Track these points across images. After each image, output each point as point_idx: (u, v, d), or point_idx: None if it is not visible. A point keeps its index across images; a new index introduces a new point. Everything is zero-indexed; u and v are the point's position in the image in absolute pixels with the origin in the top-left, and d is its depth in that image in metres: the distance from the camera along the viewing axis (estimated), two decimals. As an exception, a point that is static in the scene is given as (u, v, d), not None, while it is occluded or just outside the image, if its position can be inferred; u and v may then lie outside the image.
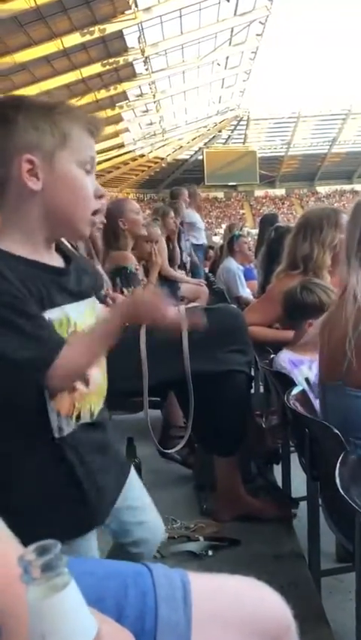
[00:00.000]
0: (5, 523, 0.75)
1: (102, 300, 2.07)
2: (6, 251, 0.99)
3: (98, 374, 1.14)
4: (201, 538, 2.02)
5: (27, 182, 0.99)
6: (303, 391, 1.86)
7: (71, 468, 1.05)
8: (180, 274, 5.20)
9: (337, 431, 1.36)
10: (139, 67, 25.03)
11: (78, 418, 1.06)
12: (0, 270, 0.94)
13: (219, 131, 43.77)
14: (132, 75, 25.62)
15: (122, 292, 2.73)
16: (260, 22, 26.02)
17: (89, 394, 1.09)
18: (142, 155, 40.25)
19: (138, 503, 1.25)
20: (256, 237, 6.17)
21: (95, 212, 1.09)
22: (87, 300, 1.12)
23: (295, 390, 1.82)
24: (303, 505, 2.14)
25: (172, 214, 5.37)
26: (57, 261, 1.09)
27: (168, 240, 5.35)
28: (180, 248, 5.70)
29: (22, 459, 1.02)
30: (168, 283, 4.89)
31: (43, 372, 0.97)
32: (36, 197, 1.00)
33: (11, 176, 0.99)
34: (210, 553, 1.97)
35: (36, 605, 0.45)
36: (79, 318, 1.06)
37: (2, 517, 0.77)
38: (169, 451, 2.40)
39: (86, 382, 1.09)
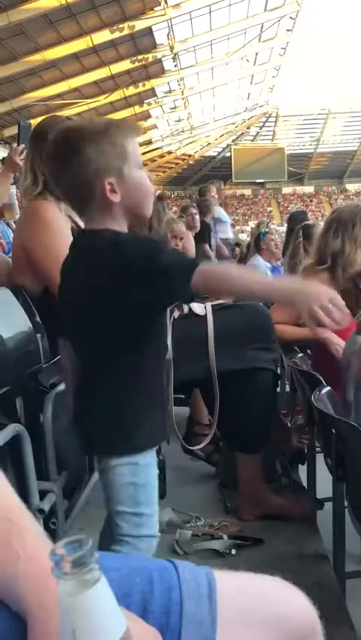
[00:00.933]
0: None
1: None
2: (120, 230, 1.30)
3: None
4: (224, 537, 2.01)
5: (111, 199, 1.27)
6: (330, 391, 1.84)
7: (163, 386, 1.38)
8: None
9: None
10: (168, 64, 25.02)
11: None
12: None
13: (248, 128, 43.51)
14: (161, 72, 25.60)
15: None
16: (290, 17, 25.75)
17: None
18: (170, 152, 40.23)
19: None
20: (283, 235, 6.12)
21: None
22: None
23: (322, 390, 1.80)
24: (328, 505, 2.12)
25: (193, 210, 5.37)
26: None
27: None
28: (210, 245, 5.69)
29: (140, 368, 1.30)
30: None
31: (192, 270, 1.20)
32: (117, 204, 1.28)
33: (95, 193, 1.27)
34: (233, 551, 1.96)
35: (66, 599, 0.45)
36: None
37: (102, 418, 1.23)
38: (194, 448, 2.40)
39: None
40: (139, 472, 1.27)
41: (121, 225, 1.32)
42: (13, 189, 2.62)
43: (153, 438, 1.35)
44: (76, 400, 1.36)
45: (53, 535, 1.56)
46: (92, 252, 1.29)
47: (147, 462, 1.30)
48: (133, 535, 1.27)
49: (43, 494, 1.52)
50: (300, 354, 2.41)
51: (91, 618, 0.45)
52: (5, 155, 2.51)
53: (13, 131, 22.02)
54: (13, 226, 3.03)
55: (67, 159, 1.26)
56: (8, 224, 3.37)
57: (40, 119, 2.13)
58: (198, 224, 5.42)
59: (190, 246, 5.01)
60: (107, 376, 1.29)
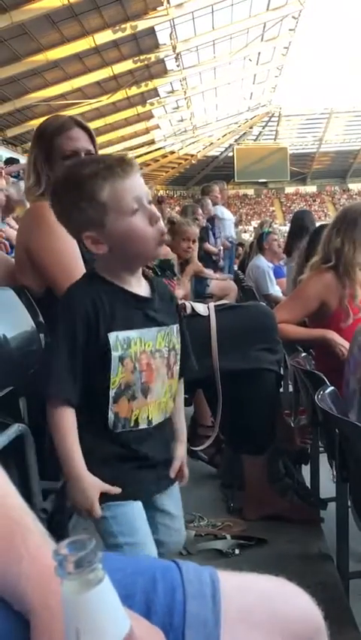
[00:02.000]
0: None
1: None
2: (101, 275, 1.25)
3: (160, 389, 1.27)
4: (228, 537, 2.01)
5: (97, 252, 1.22)
6: (334, 391, 1.84)
7: (119, 454, 1.25)
8: (208, 271, 5.19)
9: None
10: (170, 64, 25.01)
11: (137, 422, 1.25)
12: (78, 298, 1.22)
13: (250, 128, 43.50)
14: (163, 72, 25.59)
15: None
16: (293, 16, 25.73)
17: (146, 404, 1.25)
18: (172, 152, 40.25)
19: (173, 511, 1.38)
20: (286, 235, 6.12)
21: (161, 234, 1.26)
22: (164, 328, 1.28)
23: (325, 390, 1.80)
24: (331, 506, 2.12)
25: (200, 211, 5.37)
26: (144, 289, 1.28)
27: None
28: (209, 243, 5.70)
29: (85, 432, 1.22)
30: (197, 280, 4.89)
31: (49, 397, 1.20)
32: (108, 255, 1.22)
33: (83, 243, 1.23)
34: (236, 551, 1.96)
35: (70, 599, 0.45)
36: (146, 340, 1.24)
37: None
38: (196, 449, 2.40)
39: (145, 394, 1.24)
40: (103, 507, 1.22)
41: (116, 273, 1.24)
42: (22, 184, 2.64)
43: (125, 489, 1.24)
44: None
45: (56, 535, 1.57)
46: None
47: (127, 511, 1.25)
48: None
49: (46, 494, 1.52)
50: (303, 354, 2.41)
51: (95, 617, 0.45)
52: (8, 155, 2.52)
53: (16, 131, 22.09)
54: (15, 225, 3.03)
55: (56, 212, 1.27)
56: (9, 224, 3.38)
57: (42, 119, 2.13)
58: (202, 225, 5.43)
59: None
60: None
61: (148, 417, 1.26)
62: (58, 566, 0.46)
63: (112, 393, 1.21)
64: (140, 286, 1.27)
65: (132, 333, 1.22)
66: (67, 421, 1.19)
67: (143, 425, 1.26)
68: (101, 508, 1.21)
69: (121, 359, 1.20)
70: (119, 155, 1.26)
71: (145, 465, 1.28)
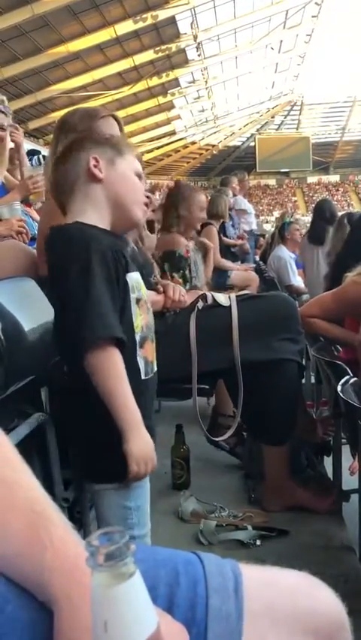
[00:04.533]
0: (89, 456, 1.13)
1: (152, 287, 2.07)
2: (95, 225, 1.25)
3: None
4: (249, 527, 2.01)
5: (95, 172, 1.26)
6: (357, 382, 1.81)
7: (145, 408, 1.23)
8: (229, 262, 5.17)
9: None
10: (191, 54, 24.84)
11: (153, 368, 1.29)
12: (100, 239, 1.20)
13: (272, 117, 43.08)
14: (184, 61, 25.44)
15: (171, 277, 2.73)
16: (316, 2, 25.34)
17: (154, 347, 1.32)
18: (193, 143, 40.07)
19: None
20: (307, 225, 6.05)
21: (147, 205, 1.37)
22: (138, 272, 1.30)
23: (348, 381, 1.77)
24: (354, 497, 2.10)
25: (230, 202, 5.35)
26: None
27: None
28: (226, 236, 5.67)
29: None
30: (219, 272, 4.87)
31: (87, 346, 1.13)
32: (99, 188, 1.27)
33: (81, 172, 1.28)
34: (258, 542, 1.95)
35: (100, 591, 0.45)
36: (142, 284, 1.28)
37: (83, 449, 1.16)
38: (217, 439, 2.40)
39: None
40: (130, 496, 1.23)
41: (102, 215, 1.27)
42: (41, 169, 2.65)
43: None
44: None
45: (78, 524, 1.58)
46: (50, 249, 1.27)
47: (138, 484, 1.24)
48: None
49: (67, 483, 1.53)
50: (326, 344, 2.38)
51: (124, 611, 0.45)
52: (30, 147, 2.54)
53: (37, 123, 22.19)
54: (37, 216, 3.05)
55: (67, 151, 1.32)
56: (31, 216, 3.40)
57: (64, 111, 2.14)
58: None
59: (214, 237, 4.99)
60: (82, 397, 1.21)
61: (155, 360, 1.31)
62: (89, 556, 0.45)
63: (138, 337, 1.22)
64: None
65: (138, 275, 1.26)
66: (119, 363, 1.13)
67: (155, 369, 1.31)
68: (123, 497, 1.20)
69: (137, 301, 1.23)
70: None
71: (152, 429, 1.27)
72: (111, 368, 1.12)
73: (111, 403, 1.13)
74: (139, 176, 1.35)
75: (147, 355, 1.25)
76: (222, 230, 5.47)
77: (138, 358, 1.22)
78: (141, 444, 1.15)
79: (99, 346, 1.11)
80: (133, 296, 1.21)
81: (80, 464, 1.29)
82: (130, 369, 1.18)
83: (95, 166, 1.27)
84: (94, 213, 1.27)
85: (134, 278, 1.24)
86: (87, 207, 1.27)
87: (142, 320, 1.23)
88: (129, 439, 1.14)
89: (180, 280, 2.71)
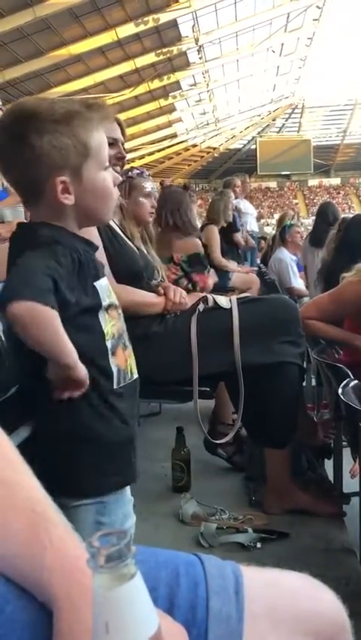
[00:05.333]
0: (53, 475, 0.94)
1: (153, 289, 2.08)
2: (63, 226, 1.14)
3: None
4: (249, 530, 2.00)
5: (63, 200, 1.11)
6: (358, 385, 1.82)
7: (122, 415, 1.19)
8: (231, 264, 5.17)
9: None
10: (193, 57, 24.88)
11: (131, 372, 1.23)
12: (66, 244, 1.10)
13: (273, 120, 43.12)
14: (186, 64, 25.48)
15: (190, 279, 2.75)
16: (317, 6, 25.38)
17: (130, 351, 1.25)
18: (195, 145, 40.10)
19: None
20: (309, 228, 6.05)
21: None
22: (105, 278, 1.23)
23: (349, 384, 1.77)
24: (354, 500, 2.10)
25: (231, 205, 5.34)
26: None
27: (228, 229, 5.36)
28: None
29: (83, 408, 1.15)
30: (220, 273, 4.88)
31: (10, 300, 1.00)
32: (70, 207, 1.13)
33: (45, 192, 1.11)
34: (258, 545, 1.95)
35: (101, 593, 0.45)
36: (109, 288, 1.21)
37: (55, 469, 1.01)
38: (218, 442, 2.40)
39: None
40: (105, 511, 1.16)
41: (71, 226, 1.16)
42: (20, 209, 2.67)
43: (117, 479, 1.20)
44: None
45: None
46: (13, 244, 1.18)
47: (114, 499, 1.19)
48: None
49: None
50: (327, 347, 2.38)
51: (125, 613, 0.45)
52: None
53: (39, 125, 22.17)
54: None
55: (15, 148, 1.09)
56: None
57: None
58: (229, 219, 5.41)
59: (215, 239, 5.00)
60: (45, 407, 1.15)
61: (133, 366, 1.25)
62: (90, 558, 0.45)
63: (109, 345, 1.16)
64: None
65: (105, 281, 1.20)
66: (57, 318, 1.02)
67: (135, 375, 1.24)
68: (98, 513, 1.15)
69: (107, 308, 1.17)
70: (101, 102, 1.17)
71: (132, 443, 1.23)
72: (41, 317, 1.01)
73: (51, 346, 1.05)
74: (106, 164, 1.17)
75: (120, 363, 1.18)
76: (232, 228, 5.47)
77: (112, 366, 1.16)
78: (73, 371, 1.08)
79: (25, 306, 1.00)
80: (103, 304, 1.15)
81: (54, 479, 1.19)
82: (101, 378, 1.15)
83: (63, 189, 1.10)
84: (60, 222, 1.15)
85: (103, 285, 1.17)
86: (54, 219, 1.14)
87: (113, 327, 1.17)
88: (59, 370, 1.08)
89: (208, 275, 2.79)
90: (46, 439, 1.18)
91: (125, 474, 1.22)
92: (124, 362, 1.20)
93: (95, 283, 1.15)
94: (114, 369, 1.17)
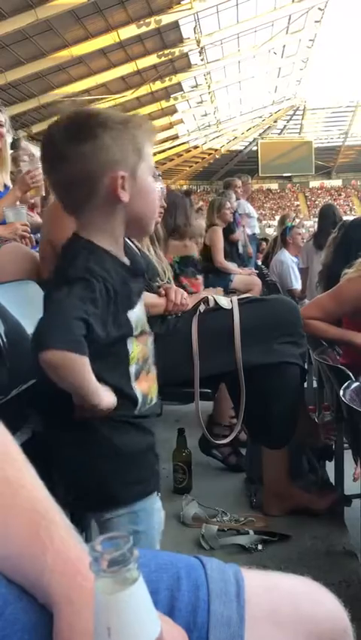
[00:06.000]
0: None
1: (155, 290, 2.08)
2: (106, 249, 1.15)
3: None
4: (250, 532, 2.00)
5: (120, 196, 1.12)
6: (359, 386, 1.81)
7: (143, 430, 1.21)
8: (232, 266, 5.17)
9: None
10: (194, 58, 24.89)
11: (152, 397, 1.24)
12: (100, 272, 1.10)
13: (275, 122, 43.15)
14: (187, 66, 25.51)
15: (179, 282, 2.74)
16: (319, 8, 25.39)
17: (154, 377, 1.26)
18: (196, 147, 40.14)
19: None
20: (310, 230, 6.06)
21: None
22: (142, 300, 1.24)
23: (350, 386, 1.77)
24: (356, 502, 2.09)
25: (228, 205, 5.33)
26: (125, 258, 1.21)
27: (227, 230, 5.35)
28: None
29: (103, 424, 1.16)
30: (221, 275, 4.88)
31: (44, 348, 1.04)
32: (122, 206, 1.14)
33: (101, 188, 1.12)
34: (259, 547, 1.95)
35: (103, 597, 0.45)
36: (143, 315, 1.23)
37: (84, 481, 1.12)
38: (219, 442, 2.40)
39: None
40: (139, 520, 1.19)
41: (116, 237, 1.17)
42: (39, 164, 2.66)
43: (140, 488, 1.21)
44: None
45: (80, 528, 1.57)
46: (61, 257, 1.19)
47: (147, 506, 1.21)
48: None
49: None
50: (328, 349, 2.38)
51: (127, 618, 0.45)
52: (34, 151, 2.55)
53: (41, 127, 22.23)
54: (39, 219, 3.05)
55: (78, 142, 1.10)
56: (32, 208, 3.41)
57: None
58: (229, 219, 5.41)
59: (219, 240, 5.00)
60: (69, 421, 1.16)
61: (153, 392, 1.26)
62: (93, 562, 0.45)
63: (132, 370, 1.17)
64: (123, 255, 1.21)
65: (140, 308, 1.21)
66: (87, 365, 1.06)
67: (155, 399, 1.25)
68: (133, 523, 1.17)
69: (138, 335, 1.19)
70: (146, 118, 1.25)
71: (153, 451, 1.25)
72: (75, 366, 1.05)
73: (85, 391, 1.09)
74: (154, 173, 1.25)
75: (143, 388, 1.20)
76: (229, 228, 5.47)
77: (135, 391, 1.17)
78: (99, 400, 1.11)
79: (53, 354, 1.03)
80: (135, 333, 1.17)
81: (82, 495, 1.20)
82: (124, 402, 1.16)
83: (123, 186, 1.12)
84: (105, 232, 1.16)
85: (136, 313, 1.18)
86: (100, 226, 1.15)
87: (139, 352, 1.19)
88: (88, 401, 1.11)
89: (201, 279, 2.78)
90: (64, 451, 1.21)
91: (148, 482, 1.23)
92: (147, 387, 1.22)
93: (128, 313, 1.15)
94: (138, 396, 1.18)
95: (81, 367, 1.05)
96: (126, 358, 1.16)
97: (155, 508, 1.24)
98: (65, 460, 1.21)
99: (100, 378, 1.10)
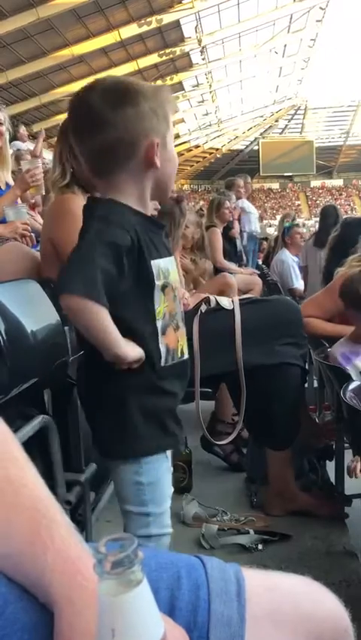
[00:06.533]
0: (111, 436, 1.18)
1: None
2: (129, 205, 1.19)
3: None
4: (251, 532, 2.00)
5: (155, 161, 1.18)
6: (359, 386, 1.81)
7: (167, 393, 1.25)
8: (233, 265, 5.17)
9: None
10: (195, 57, 24.89)
11: (182, 352, 1.27)
12: (121, 221, 1.15)
13: (276, 121, 43.13)
14: (189, 65, 25.50)
15: None
16: (320, 7, 25.38)
17: (183, 333, 1.29)
18: (197, 146, 40.12)
19: None
20: (311, 229, 6.06)
21: None
22: (172, 257, 1.28)
23: (351, 386, 1.77)
24: (356, 502, 2.09)
25: (227, 204, 5.32)
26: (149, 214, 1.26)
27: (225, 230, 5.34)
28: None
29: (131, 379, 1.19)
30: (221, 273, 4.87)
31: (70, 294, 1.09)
32: (152, 171, 1.20)
33: (138, 153, 1.18)
34: (260, 547, 1.95)
35: (108, 599, 0.45)
36: (172, 270, 1.25)
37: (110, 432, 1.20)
38: (220, 443, 2.40)
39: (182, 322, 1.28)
40: (144, 471, 1.22)
41: (144, 200, 1.23)
42: (39, 162, 2.64)
43: (158, 444, 1.25)
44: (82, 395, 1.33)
45: (80, 526, 1.58)
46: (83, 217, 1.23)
47: (152, 459, 1.24)
48: (141, 535, 1.22)
49: (70, 486, 1.53)
50: (328, 349, 2.38)
51: (131, 619, 0.45)
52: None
53: (41, 126, 22.21)
54: (40, 219, 3.05)
55: (122, 107, 1.15)
56: (33, 207, 3.40)
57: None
58: (229, 218, 5.40)
59: (218, 240, 4.99)
60: (100, 373, 1.21)
61: (184, 346, 1.29)
62: (97, 563, 0.45)
63: (159, 324, 1.20)
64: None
65: (166, 261, 1.23)
66: (105, 313, 1.10)
67: (185, 355, 1.28)
68: (136, 473, 1.21)
69: (163, 288, 1.21)
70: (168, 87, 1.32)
71: (174, 410, 1.27)
72: (94, 316, 1.09)
73: (102, 340, 1.13)
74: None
75: (169, 342, 1.22)
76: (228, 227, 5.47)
77: (160, 345, 1.20)
78: (127, 353, 1.15)
79: (76, 301, 1.09)
80: (158, 283, 1.18)
81: (96, 441, 1.30)
82: (148, 356, 1.18)
83: (156, 152, 1.18)
84: (133, 194, 1.21)
85: (160, 264, 1.20)
86: (129, 189, 1.20)
87: (165, 307, 1.21)
88: (115, 358, 1.15)
89: None
90: (92, 398, 1.27)
91: (160, 440, 1.25)
92: (175, 342, 1.24)
93: (152, 262, 1.18)
94: (162, 349, 1.21)
95: (97, 314, 1.09)
96: (152, 312, 1.19)
97: (161, 465, 1.26)
98: (92, 407, 1.27)
99: (128, 330, 1.15)
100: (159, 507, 1.24)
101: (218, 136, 40.15)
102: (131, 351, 1.15)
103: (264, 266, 6.76)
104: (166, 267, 1.22)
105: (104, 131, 1.16)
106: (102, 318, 1.10)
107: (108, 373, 1.18)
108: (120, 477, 1.24)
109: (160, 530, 1.26)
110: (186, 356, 1.29)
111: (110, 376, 1.19)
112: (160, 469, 1.25)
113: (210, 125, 37.01)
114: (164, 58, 22.39)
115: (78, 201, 1.93)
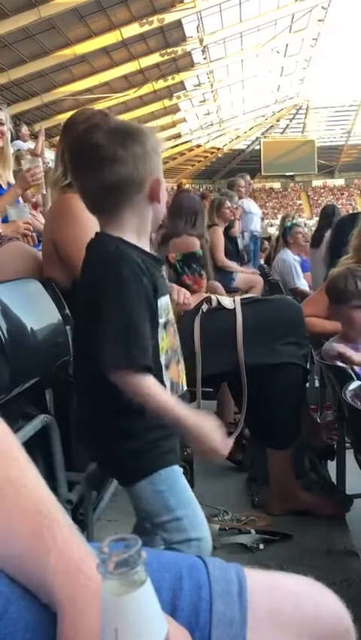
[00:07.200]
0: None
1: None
2: (135, 244, 1.23)
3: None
4: (252, 531, 2.00)
5: (160, 197, 1.25)
6: (360, 386, 1.81)
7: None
8: (234, 264, 5.16)
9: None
10: (197, 57, 24.84)
11: (182, 386, 1.31)
12: (141, 268, 1.18)
13: (278, 121, 43.06)
14: (190, 65, 25.46)
15: (200, 276, 2.73)
16: (322, 7, 25.33)
17: (183, 367, 1.34)
18: (199, 146, 40.08)
19: None
20: (312, 229, 6.05)
21: None
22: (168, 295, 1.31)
23: (352, 385, 1.77)
24: (357, 502, 2.09)
25: (228, 204, 5.32)
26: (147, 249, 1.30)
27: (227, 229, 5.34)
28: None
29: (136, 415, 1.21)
30: (223, 273, 4.87)
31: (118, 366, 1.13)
32: (152, 206, 1.26)
33: (144, 189, 1.23)
34: (261, 546, 1.95)
35: (111, 599, 0.45)
36: (170, 307, 1.29)
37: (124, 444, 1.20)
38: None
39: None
40: (158, 480, 1.24)
41: (145, 233, 1.27)
42: (39, 161, 2.64)
43: (164, 460, 1.27)
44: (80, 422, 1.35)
45: (82, 526, 1.58)
46: (91, 261, 1.26)
47: (167, 474, 1.26)
48: (180, 540, 1.23)
49: (71, 485, 1.53)
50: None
51: (135, 620, 0.45)
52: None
53: (43, 125, 22.18)
54: (42, 218, 3.05)
55: (131, 145, 1.21)
56: (35, 206, 3.40)
57: (70, 113, 2.15)
58: (230, 218, 5.39)
59: (219, 240, 4.99)
60: (102, 399, 1.22)
61: (184, 379, 1.33)
62: (100, 564, 0.45)
63: (163, 360, 1.23)
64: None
65: (167, 298, 1.27)
66: (154, 383, 1.15)
67: (185, 387, 1.32)
68: (152, 483, 1.23)
69: (165, 324, 1.24)
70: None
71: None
72: (148, 388, 1.14)
73: (164, 413, 1.16)
74: None
75: (173, 377, 1.27)
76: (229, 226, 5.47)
77: (165, 380, 1.24)
78: (207, 433, 1.19)
79: (132, 371, 1.13)
80: (161, 321, 1.22)
81: (108, 469, 1.34)
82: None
83: (159, 189, 1.25)
84: (133, 229, 1.25)
85: (163, 302, 1.24)
86: (130, 224, 1.24)
87: (167, 343, 1.25)
88: (193, 437, 1.19)
89: (205, 276, 2.79)
90: (96, 422, 1.28)
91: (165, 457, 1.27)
92: (177, 376, 1.29)
93: (158, 301, 1.22)
94: (167, 383, 1.25)
95: (148, 388, 1.14)
96: (157, 349, 1.22)
97: (186, 486, 1.29)
98: (101, 439, 1.28)
99: None
100: (186, 509, 1.25)
101: (219, 135, 40.08)
102: (216, 434, 1.20)
103: (265, 265, 6.75)
104: (167, 304, 1.27)
105: (114, 168, 1.20)
106: (153, 389, 1.14)
107: (112, 411, 1.21)
108: (141, 496, 1.25)
109: (198, 534, 1.25)
110: (185, 387, 1.34)
111: (115, 414, 1.21)
112: (172, 473, 1.27)
113: (211, 125, 36.96)
114: (165, 57, 22.35)
115: (79, 201, 1.93)
